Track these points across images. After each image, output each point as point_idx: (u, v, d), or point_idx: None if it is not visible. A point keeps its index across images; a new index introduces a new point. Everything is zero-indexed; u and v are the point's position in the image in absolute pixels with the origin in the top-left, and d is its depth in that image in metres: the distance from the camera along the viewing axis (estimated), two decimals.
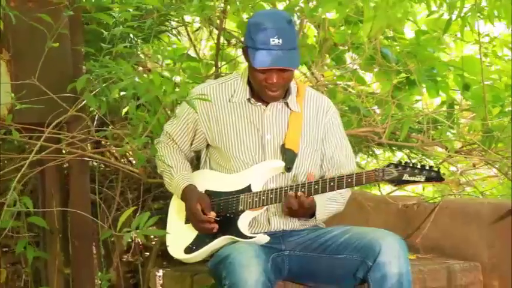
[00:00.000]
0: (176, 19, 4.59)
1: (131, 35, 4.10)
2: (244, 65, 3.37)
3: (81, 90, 3.57)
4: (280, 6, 4.51)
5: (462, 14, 3.86)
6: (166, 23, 4.59)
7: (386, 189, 4.82)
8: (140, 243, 5.04)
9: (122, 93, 4.06)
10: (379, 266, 3.11)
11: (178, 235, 3.41)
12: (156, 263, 4.52)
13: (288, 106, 3.39)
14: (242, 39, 4.11)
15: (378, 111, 4.57)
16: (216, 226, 3.30)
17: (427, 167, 3.09)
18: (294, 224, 3.40)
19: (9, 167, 3.81)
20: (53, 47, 3.59)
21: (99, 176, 4.55)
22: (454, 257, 3.93)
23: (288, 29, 3.23)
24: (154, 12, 3.93)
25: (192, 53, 4.91)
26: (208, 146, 3.47)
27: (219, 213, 3.32)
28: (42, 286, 4.25)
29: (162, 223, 3.53)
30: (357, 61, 4.53)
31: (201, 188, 3.40)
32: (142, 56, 4.71)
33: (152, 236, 4.66)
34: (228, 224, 3.31)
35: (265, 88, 3.27)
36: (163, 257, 4.56)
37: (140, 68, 4.66)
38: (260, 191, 3.30)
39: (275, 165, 3.34)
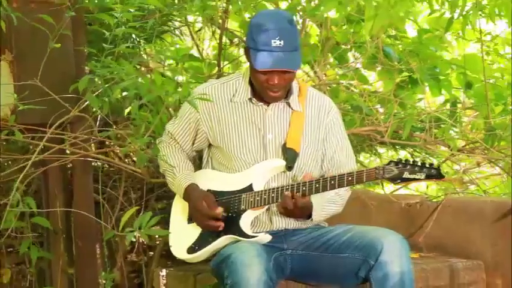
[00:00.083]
0: (179, 19, 4.59)
1: (133, 35, 4.10)
2: (246, 64, 3.37)
3: (83, 90, 3.58)
4: (283, 5, 4.52)
5: (464, 13, 3.86)
6: (169, 23, 4.60)
7: (390, 187, 4.82)
8: (144, 242, 5.05)
9: (124, 93, 4.06)
10: (381, 265, 3.11)
11: (181, 235, 3.42)
12: (160, 263, 4.53)
13: (289, 106, 3.39)
14: (244, 38, 4.11)
15: (381, 110, 4.57)
16: (222, 224, 3.30)
17: (427, 165, 3.09)
18: (296, 223, 3.40)
19: (13, 168, 3.83)
20: (55, 48, 3.60)
21: (103, 176, 4.56)
22: (457, 255, 3.94)
23: (289, 30, 3.23)
24: (157, 13, 3.93)
25: (195, 52, 4.92)
26: (210, 145, 3.48)
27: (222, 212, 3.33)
28: (47, 286, 4.26)
29: (165, 223, 3.55)
30: (359, 60, 4.53)
31: (203, 188, 3.40)
32: (145, 56, 4.72)
33: (157, 236, 4.67)
34: (230, 224, 3.31)
35: (267, 89, 3.28)
36: (168, 256, 4.57)
37: (143, 68, 4.67)
38: (262, 190, 3.31)
39: (276, 165, 3.35)
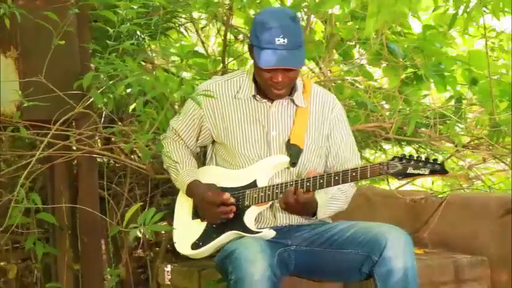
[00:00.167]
0: (184, 16, 4.60)
1: (138, 32, 4.11)
2: (251, 61, 3.37)
3: (88, 87, 3.59)
4: (288, 1, 4.51)
5: (468, 9, 3.85)
6: (174, 19, 4.60)
7: (395, 183, 4.82)
8: (152, 238, 5.06)
9: (129, 90, 4.07)
10: (385, 261, 3.12)
11: (185, 231, 3.43)
12: (165, 258, 4.54)
13: (293, 102, 3.40)
14: (249, 35, 4.12)
15: (386, 106, 4.57)
16: (234, 208, 3.30)
17: (431, 160, 3.09)
18: (300, 218, 3.41)
19: (18, 164, 3.85)
20: (60, 45, 3.61)
21: (109, 172, 4.57)
22: (462, 251, 3.93)
23: (293, 28, 3.23)
24: (161, 9, 3.94)
25: (201, 49, 4.93)
26: (214, 142, 3.48)
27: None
28: (52, 282, 4.28)
29: (171, 219, 3.55)
30: (364, 56, 4.53)
31: None
32: (151, 52, 4.73)
33: (163, 232, 4.68)
34: (234, 220, 3.32)
35: (271, 86, 3.29)
36: (173, 252, 4.58)
37: (149, 65, 4.68)
38: (266, 186, 3.31)
39: (280, 161, 3.35)
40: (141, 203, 3.45)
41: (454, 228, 4.00)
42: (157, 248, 4.82)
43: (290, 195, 3.22)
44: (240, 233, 3.29)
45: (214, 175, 3.44)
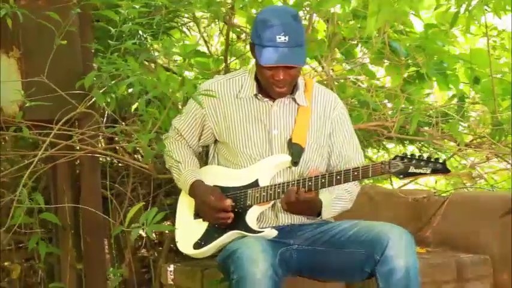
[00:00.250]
0: (186, 15, 4.60)
1: (140, 32, 4.11)
2: (254, 60, 3.38)
3: (90, 87, 3.59)
4: (290, 0, 4.51)
5: (470, 8, 3.85)
6: (177, 19, 4.60)
7: (399, 182, 4.82)
8: (155, 238, 5.07)
9: (130, 90, 4.07)
10: (387, 260, 3.11)
11: (187, 231, 3.43)
12: (169, 258, 4.54)
13: (295, 101, 3.40)
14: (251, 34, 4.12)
15: (389, 105, 4.57)
16: (232, 215, 3.31)
17: (433, 159, 3.09)
18: (302, 218, 3.41)
19: (21, 164, 3.85)
20: (63, 44, 3.62)
21: (112, 172, 4.58)
22: (465, 250, 3.93)
23: (294, 26, 3.23)
24: (163, 9, 3.94)
25: (204, 48, 4.93)
26: (216, 141, 3.49)
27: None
28: (56, 281, 4.29)
29: (173, 218, 3.56)
30: (366, 55, 4.53)
31: (209, 183, 3.42)
32: (155, 52, 4.73)
33: (167, 231, 4.69)
34: (236, 219, 3.33)
35: (272, 85, 3.29)
36: (177, 252, 4.58)
37: (152, 65, 4.68)
38: (267, 186, 3.32)
39: (282, 160, 3.35)
40: (143, 203, 3.45)
41: (456, 227, 4.00)
42: (161, 248, 4.83)
43: (292, 195, 3.22)
44: (242, 232, 3.30)
45: (216, 174, 3.44)
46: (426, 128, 4.47)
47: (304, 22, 4.42)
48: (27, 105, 3.61)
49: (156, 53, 4.65)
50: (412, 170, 3.11)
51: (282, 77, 3.25)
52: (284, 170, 3.37)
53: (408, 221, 4.02)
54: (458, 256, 3.85)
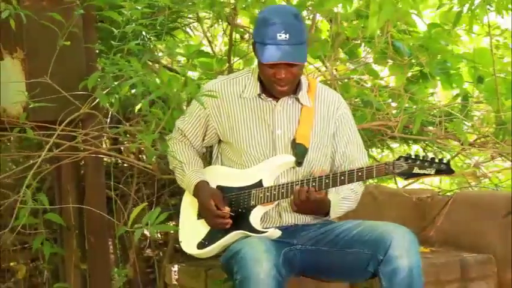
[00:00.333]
0: (189, 15, 4.61)
1: (143, 33, 4.12)
2: (257, 60, 3.38)
3: (93, 87, 3.60)
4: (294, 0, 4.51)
5: (473, 7, 3.85)
6: (180, 19, 4.61)
7: (403, 182, 4.81)
8: (159, 238, 5.08)
9: (133, 90, 4.08)
10: (390, 260, 3.11)
11: (191, 230, 3.44)
12: (173, 258, 4.55)
13: (299, 101, 3.40)
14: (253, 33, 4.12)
15: (393, 104, 4.56)
16: (230, 221, 3.31)
17: (437, 160, 3.09)
18: (305, 218, 3.41)
19: (25, 165, 3.86)
20: (66, 45, 3.63)
21: (117, 172, 4.58)
22: (469, 249, 3.93)
23: (295, 24, 3.23)
24: (166, 9, 3.95)
25: (208, 48, 4.94)
26: (220, 141, 3.49)
27: (231, 209, 3.34)
28: (61, 282, 4.30)
29: (178, 218, 3.56)
30: (370, 55, 4.53)
31: (213, 184, 3.42)
32: (158, 52, 4.74)
33: (172, 232, 4.70)
34: (239, 219, 3.33)
35: (274, 83, 3.29)
36: (181, 252, 4.59)
37: (156, 65, 4.69)
38: (271, 186, 3.32)
39: (286, 160, 3.35)
40: (147, 203, 3.45)
41: (460, 226, 4.00)
42: (166, 248, 4.83)
43: (302, 194, 3.22)
44: (246, 232, 3.30)
45: (220, 174, 3.44)
46: (430, 128, 4.47)
47: (308, 22, 4.43)
48: (31, 106, 3.62)
49: (160, 53, 4.66)
50: (416, 170, 3.11)
51: (283, 76, 3.25)
52: (288, 170, 3.37)
53: (412, 220, 4.02)
54: (462, 255, 3.85)
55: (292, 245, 3.35)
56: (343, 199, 3.39)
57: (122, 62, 3.44)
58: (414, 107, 4.42)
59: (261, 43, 3.23)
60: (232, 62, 4.56)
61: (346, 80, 4.54)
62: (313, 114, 3.41)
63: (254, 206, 3.33)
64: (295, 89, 3.38)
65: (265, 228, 3.33)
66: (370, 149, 4.76)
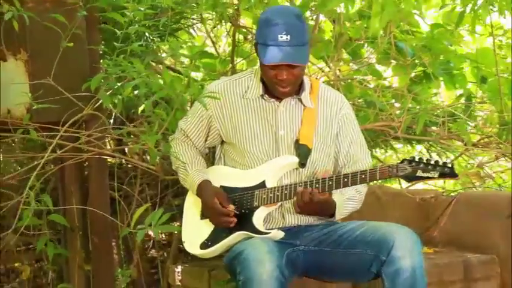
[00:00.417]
0: (193, 16, 4.61)
1: (146, 34, 4.12)
2: None
3: (96, 89, 3.61)
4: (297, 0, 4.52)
5: (475, 8, 3.85)
6: (183, 20, 4.61)
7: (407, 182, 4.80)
8: (164, 239, 5.08)
9: (136, 91, 4.09)
10: (393, 260, 3.11)
11: (194, 231, 3.44)
12: (178, 259, 4.55)
13: (301, 102, 3.40)
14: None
15: (396, 104, 4.56)
16: (235, 220, 3.31)
17: (441, 163, 3.09)
18: (308, 219, 3.41)
19: (29, 166, 3.87)
20: (70, 47, 3.64)
21: (120, 173, 4.59)
22: (472, 250, 3.92)
23: (297, 25, 3.23)
24: (169, 10, 3.95)
25: (212, 49, 4.94)
26: (222, 142, 3.49)
27: (234, 209, 3.34)
28: (65, 283, 4.30)
29: (181, 219, 3.57)
30: (373, 55, 4.52)
31: (216, 184, 3.42)
32: (161, 53, 4.74)
33: (176, 232, 4.70)
34: (243, 220, 3.33)
35: (276, 84, 3.29)
36: (186, 252, 4.59)
37: (159, 66, 4.69)
38: (274, 187, 3.32)
39: (289, 161, 3.35)
40: (149, 204, 3.46)
41: (464, 227, 3.99)
42: (170, 249, 4.84)
43: (306, 196, 3.22)
44: (249, 233, 3.30)
45: (223, 175, 3.45)
46: (434, 128, 4.46)
47: (311, 22, 4.43)
48: (34, 107, 3.63)
49: (164, 54, 4.67)
50: (419, 173, 3.11)
51: (285, 77, 3.25)
52: (291, 171, 3.37)
53: (416, 220, 4.02)
54: (466, 256, 3.85)
55: (295, 245, 3.35)
56: (347, 200, 3.39)
57: (125, 63, 3.44)
58: (417, 107, 4.42)
59: (263, 44, 3.23)
60: (235, 63, 4.56)
61: (349, 81, 4.54)
62: (315, 115, 3.41)
63: (257, 207, 3.33)
64: (297, 89, 3.38)
65: (269, 229, 3.33)
66: (373, 150, 4.75)
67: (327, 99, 3.46)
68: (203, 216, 3.43)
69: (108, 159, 4.38)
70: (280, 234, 3.30)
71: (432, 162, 3.10)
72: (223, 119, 3.42)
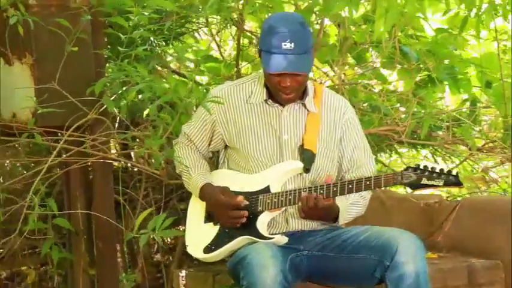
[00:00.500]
0: (197, 21, 4.62)
1: (151, 38, 4.13)
2: None
3: (100, 93, 3.62)
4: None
5: (480, 13, 3.85)
6: (188, 24, 4.62)
7: None
8: (169, 243, 5.08)
9: (140, 96, 4.10)
10: (396, 266, 3.11)
11: (198, 235, 3.44)
12: (183, 263, 4.55)
13: (305, 107, 3.40)
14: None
15: (402, 109, 4.56)
16: (246, 213, 3.31)
17: (446, 171, 3.09)
18: (312, 224, 3.41)
19: (34, 170, 3.88)
20: (75, 51, 3.65)
21: (125, 177, 4.59)
22: (476, 255, 3.92)
23: (301, 33, 3.23)
24: (174, 15, 3.96)
25: (217, 53, 4.94)
26: (226, 146, 3.49)
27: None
28: (69, 287, 4.31)
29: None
30: (378, 59, 4.52)
31: None
32: (167, 57, 4.75)
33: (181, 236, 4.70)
34: (246, 225, 3.32)
35: (280, 91, 3.30)
36: (191, 256, 4.59)
37: (164, 70, 4.70)
38: (279, 192, 3.32)
39: (294, 166, 3.35)
40: (153, 209, 3.46)
41: (468, 232, 3.99)
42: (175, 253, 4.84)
43: (310, 201, 3.22)
44: (253, 238, 3.30)
45: (227, 179, 3.44)
46: (439, 133, 4.46)
47: (316, 27, 4.43)
48: (39, 111, 3.64)
49: (169, 58, 4.67)
50: (424, 181, 3.11)
51: (288, 84, 3.25)
52: (295, 176, 3.37)
53: (420, 225, 4.02)
54: (470, 261, 3.85)
55: (299, 250, 3.35)
56: (351, 205, 3.39)
57: (129, 67, 3.45)
58: (422, 111, 4.42)
59: (267, 52, 3.23)
60: (240, 67, 4.56)
61: (354, 85, 4.53)
62: (319, 120, 3.41)
63: (261, 212, 3.33)
64: (301, 94, 3.38)
65: (272, 234, 3.33)
66: (378, 154, 4.75)
67: (330, 104, 3.46)
68: (207, 220, 3.43)
69: (114, 163, 4.38)
70: (284, 240, 3.30)
71: (437, 170, 3.10)
72: (227, 124, 3.43)
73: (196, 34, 4.87)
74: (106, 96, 3.57)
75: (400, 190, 4.87)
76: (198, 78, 4.69)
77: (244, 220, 3.31)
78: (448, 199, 4.29)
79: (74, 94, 3.71)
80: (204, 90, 3.70)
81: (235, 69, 4.53)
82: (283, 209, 3.34)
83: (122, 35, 3.62)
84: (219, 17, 4.44)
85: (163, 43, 4.31)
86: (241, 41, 4.54)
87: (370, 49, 4.54)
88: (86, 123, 3.78)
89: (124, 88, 3.63)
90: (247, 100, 3.41)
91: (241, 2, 4.13)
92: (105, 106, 3.69)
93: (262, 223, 3.33)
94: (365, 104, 4.53)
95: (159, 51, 4.40)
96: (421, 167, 3.12)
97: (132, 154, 4.63)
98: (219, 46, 4.95)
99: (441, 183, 3.09)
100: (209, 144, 3.51)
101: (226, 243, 3.35)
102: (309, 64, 3.28)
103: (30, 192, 3.34)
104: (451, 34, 4.40)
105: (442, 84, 4.46)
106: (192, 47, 4.55)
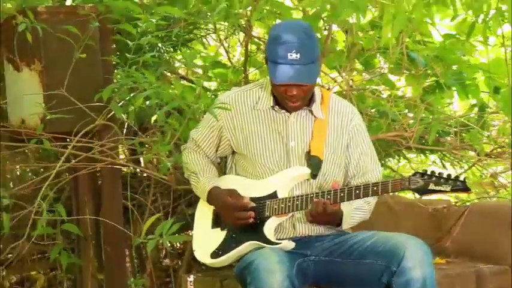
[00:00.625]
0: (205, 27, 4.63)
1: (159, 45, 4.15)
2: None
3: (108, 99, 3.63)
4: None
5: (487, 19, 3.85)
6: (196, 31, 4.63)
7: None
8: (178, 248, 5.09)
9: (148, 102, 4.11)
10: (403, 271, 3.10)
11: (205, 239, 3.45)
12: (192, 268, 4.56)
13: (312, 113, 3.40)
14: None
15: (410, 115, 4.56)
16: (253, 214, 3.31)
17: (453, 177, 3.08)
18: (319, 229, 3.41)
19: (43, 175, 3.90)
20: (84, 58, 3.67)
21: (134, 182, 4.61)
22: (484, 260, 3.91)
23: (307, 42, 3.23)
24: (182, 21, 3.98)
25: (226, 58, 4.95)
26: (234, 152, 3.50)
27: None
28: None
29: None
30: (386, 65, 4.53)
31: None
32: (178, 63, 4.76)
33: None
34: (254, 230, 3.33)
35: (286, 99, 3.30)
36: (199, 261, 4.60)
37: (173, 75, 4.71)
38: (286, 198, 3.32)
39: (301, 172, 3.36)
40: (161, 214, 3.48)
41: (476, 237, 3.99)
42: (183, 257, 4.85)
43: (319, 207, 3.22)
44: (260, 243, 3.30)
45: (235, 184, 3.44)
46: (447, 138, 4.46)
47: (324, 33, 4.44)
48: (48, 117, 3.66)
49: (177, 64, 4.69)
50: (431, 187, 3.10)
51: (295, 93, 3.26)
52: (302, 182, 3.37)
53: (428, 231, 4.01)
54: (478, 266, 3.84)
55: (306, 256, 3.35)
56: (355, 209, 3.39)
57: (137, 74, 3.47)
58: (430, 117, 4.42)
59: (273, 62, 3.24)
60: (248, 73, 4.57)
61: (362, 91, 4.54)
62: (326, 126, 3.41)
63: (268, 217, 3.33)
64: (308, 101, 3.39)
65: (279, 239, 3.33)
66: (386, 159, 4.75)
67: (337, 110, 3.46)
68: (214, 225, 3.44)
69: (123, 169, 4.40)
70: (291, 245, 3.30)
71: (444, 175, 3.09)
72: (234, 130, 3.43)
73: (204, 40, 4.88)
74: (114, 102, 3.59)
75: (409, 195, 4.88)
76: (206, 84, 4.71)
77: (251, 221, 3.31)
78: (457, 204, 4.28)
79: (82, 100, 3.73)
80: (212, 96, 3.70)
81: (243, 75, 4.54)
82: (290, 214, 3.35)
83: (130, 42, 3.63)
84: (226, 24, 4.44)
85: (171, 49, 4.32)
86: (249, 47, 4.55)
87: (378, 55, 4.54)
88: (94, 129, 3.80)
89: (132, 94, 3.65)
90: (254, 106, 3.42)
91: (249, 9, 4.14)
92: (113, 112, 3.71)
93: (269, 228, 3.33)
94: (373, 110, 4.53)
95: (167, 58, 4.41)
96: (429, 172, 3.12)
97: (141, 160, 4.65)
98: (227, 52, 4.96)
99: (448, 188, 3.09)
100: (216, 150, 3.52)
101: (234, 249, 3.35)
102: (314, 74, 3.28)
103: (39, 198, 3.35)
104: (459, 40, 4.40)
105: (450, 90, 4.46)
106: (201, 53, 4.56)
